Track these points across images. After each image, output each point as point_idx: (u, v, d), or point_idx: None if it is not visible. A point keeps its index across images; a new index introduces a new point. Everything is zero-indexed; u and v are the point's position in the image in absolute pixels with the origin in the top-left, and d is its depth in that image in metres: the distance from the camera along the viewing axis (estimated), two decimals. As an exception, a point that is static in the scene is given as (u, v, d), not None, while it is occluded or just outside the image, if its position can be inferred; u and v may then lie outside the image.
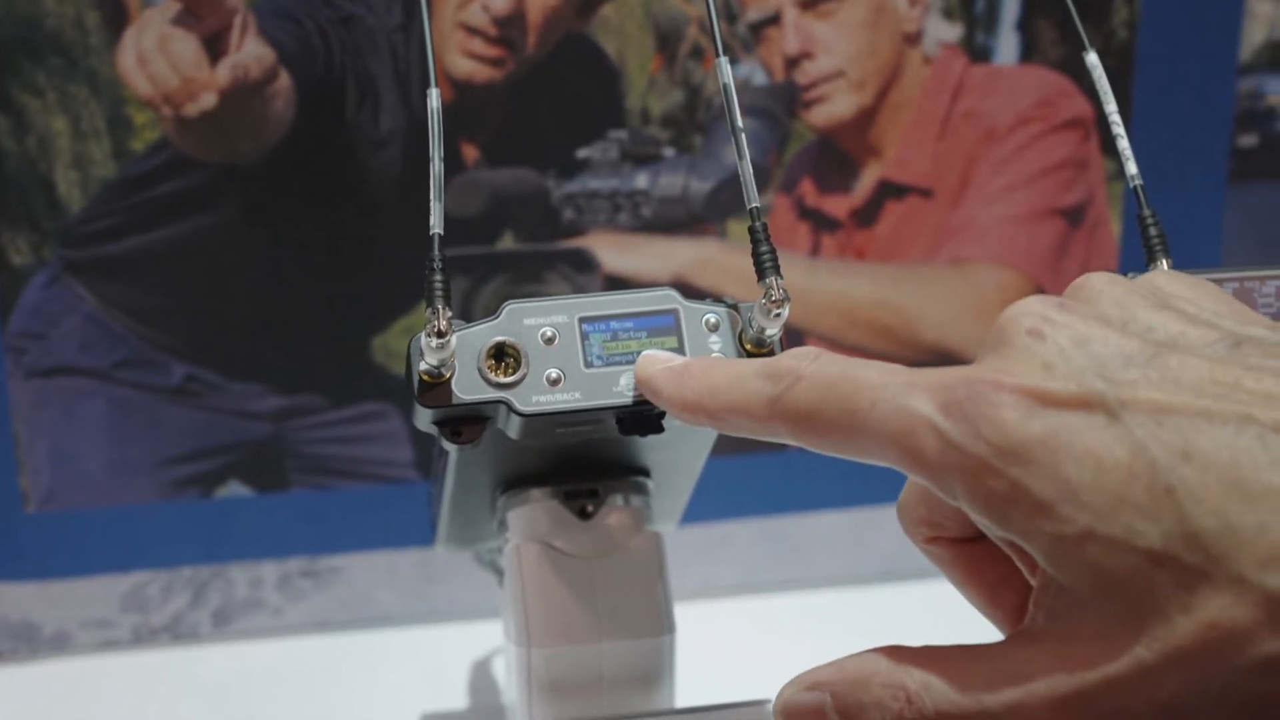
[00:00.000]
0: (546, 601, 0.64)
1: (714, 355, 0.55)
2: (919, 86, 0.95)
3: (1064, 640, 0.41)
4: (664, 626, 0.65)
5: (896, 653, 0.44)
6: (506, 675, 0.73)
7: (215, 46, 0.87)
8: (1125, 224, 0.99)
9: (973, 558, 0.50)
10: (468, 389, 0.54)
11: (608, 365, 0.55)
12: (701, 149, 0.94)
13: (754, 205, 0.54)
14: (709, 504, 0.96)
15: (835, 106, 0.95)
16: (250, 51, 0.87)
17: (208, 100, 0.88)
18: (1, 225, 0.88)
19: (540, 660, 0.64)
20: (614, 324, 0.56)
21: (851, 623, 0.99)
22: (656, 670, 0.65)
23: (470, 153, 0.92)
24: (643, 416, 0.55)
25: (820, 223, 0.97)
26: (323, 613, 0.98)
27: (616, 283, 0.94)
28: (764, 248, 0.54)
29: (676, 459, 0.65)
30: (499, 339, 0.55)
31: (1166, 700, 0.39)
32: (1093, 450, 0.40)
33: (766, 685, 0.63)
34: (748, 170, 0.55)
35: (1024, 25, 0.96)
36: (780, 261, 0.54)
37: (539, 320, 0.55)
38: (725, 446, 0.66)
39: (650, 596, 0.65)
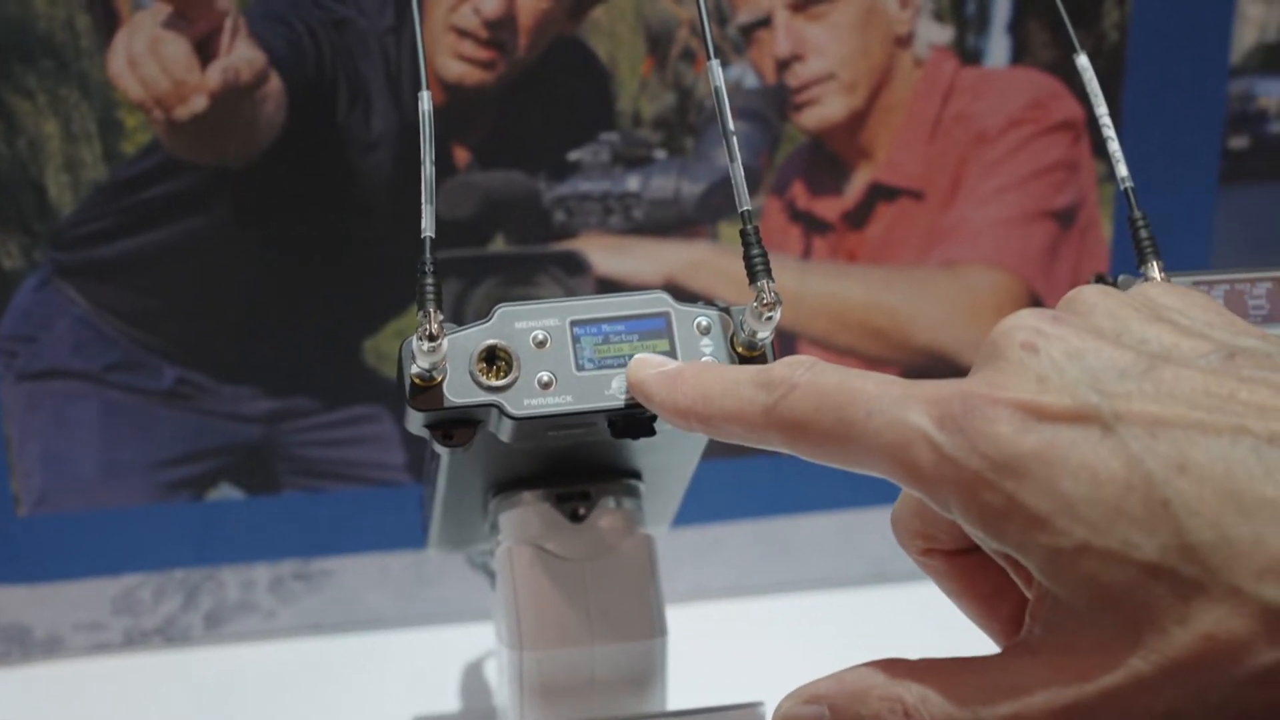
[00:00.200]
0: (538, 604, 0.64)
1: (706, 360, 0.55)
2: (910, 89, 0.95)
3: (1060, 653, 0.41)
4: (656, 629, 0.65)
5: (894, 666, 0.44)
6: (498, 678, 0.73)
7: (206, 49, 0.87)
8: (1116, 226, 1.00)
9: (967, 570, 0.50)
10: (459, 392, 0.54)
11: (599, 368, 0.55)
12: (693, 151, 0.94)
13: (745, 208, 0.54)
14: (701, 507, 0.96)
15: (826, 109, 0.95)
16: (241, 54, 0.87)
17: (198, 103, 0.88)
18: (-8, 228, 0.88)
19: (532, 663, 0.64)
20: (605, 327, 0.56)
21: (842, 625, 0.99)
22: (648, 673, 0.65)
23: (461, 155, 0.92)
24: (635, 419, 0.55)
25: (812, 225, 0.97)
26: (315, 615, 0.98)
27: (608, 285, 0.94)
28: (755, 250, 0.54)
29: (668, 462, 0.65)
30: (491, 342, 0.55)
31: (1164, 712, 0.39)
32: (1088, 463, 0.40)
33: (758, 688, 0.63)
34: (739, 173, 0.55)
35: (1015, 28, 0.96)
36: (772, 264, 0.54)
37: (530, 323, 0.55)
38: (717, 450, 0.67)
39: (642, 599, 0.65)
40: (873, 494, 1.00)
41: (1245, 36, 0.99)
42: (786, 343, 0.97)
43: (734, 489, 1.00)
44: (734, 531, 1.01)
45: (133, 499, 0.94)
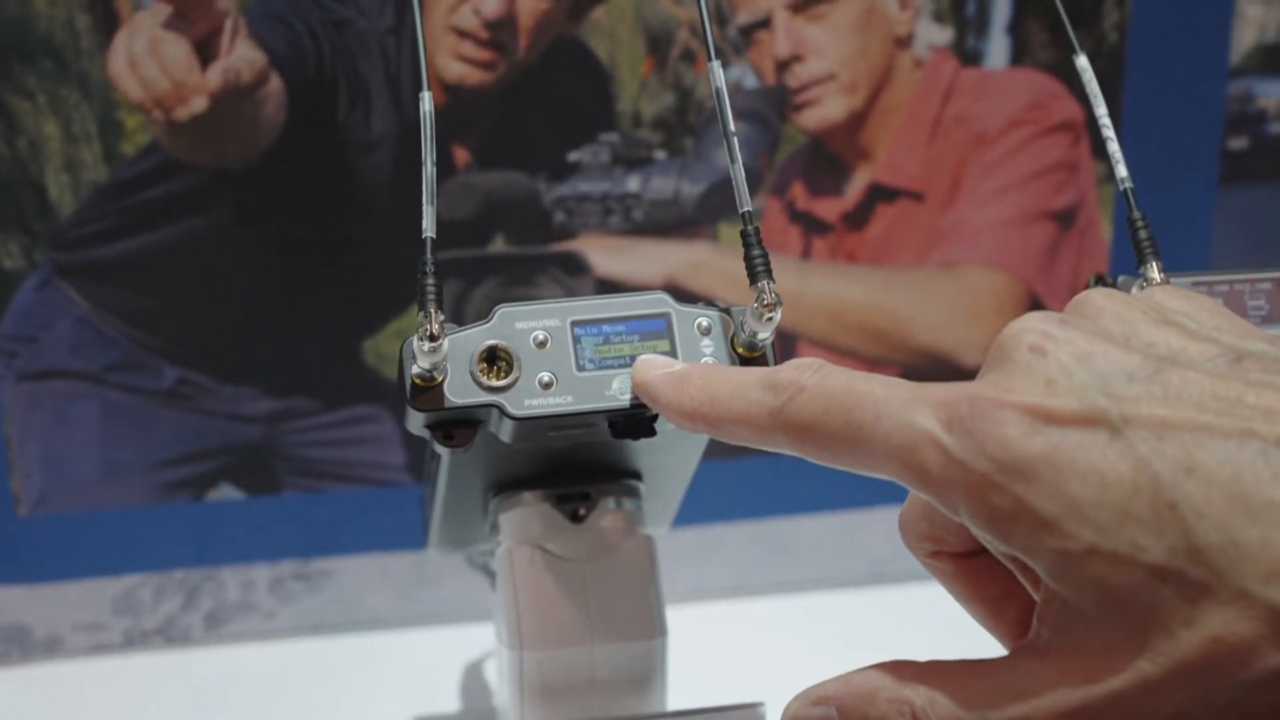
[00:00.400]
0: (538, 604, 0.64)
1: (705, 360, 0.55)
2: (910, 90, 0.95)
3: (1068, 655, 0.41)
4: (656, 629, 0.65)
5: (902, 668, 0.44)
6: (498, 678, 0.73)
7: (206, 50, 0.87)
8: (1116, 226, 1.00)
9: (974, 572, 0.50)
10: (460, 392, 0.54)
11: (600, 369, 0.55)
12: (693, 152, 0.94)
13: (745, 209, 0.54)
14: (701, 507, 0.96)
15: (826, 109, 0.95)
16: (241, 55, 0.87)
17: (198, 104, 0.88)
18: (-7, 228, 0.88)
19: (532, 663, 0.64)
20: (606, 327, 0.56)
21: (843, 625, 0.99)
22: (648, 673, 0.65)
23: (461, 156, 0.92)
24: (635, 420, 0.55)
25: (811, 226, 0.97)
26: (315, 615, 0.98)
27: (608, 286, 0.94)
28: (756, 251, 0.54)
29: (668, 462, 0.65)
30: (491, 342, 0.55)
31: (1170, 715, 0.39)
32: (1096, 466, 0.40)
33: (758, 688, 0.63)
34: (739, 173, 0.55)
35: (1014, 28, 0.96)
36: (772, 265, 0.54)
37: (531, 324, 0.55)
38: (717, 450, 0.67)
39: (642, 599, 0.65)
40: (873, 494, 1.00)
41: (1244, 37, 0.99)
42: (786, 343, 0.97)
43: (734, 489, 1.00)
44: (734, 532, 1.01)
45: (133, 499, 0.94)
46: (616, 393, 0.55)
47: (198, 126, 0.88)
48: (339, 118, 0.90)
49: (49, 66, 0.86)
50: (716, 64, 0.56)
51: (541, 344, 0.55)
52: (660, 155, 0.94)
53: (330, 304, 0.92)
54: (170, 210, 0.89)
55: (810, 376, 0.46)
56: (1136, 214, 0.60)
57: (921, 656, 0.45)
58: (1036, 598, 0.43)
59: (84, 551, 0.94)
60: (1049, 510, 0.40)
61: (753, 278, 0.54)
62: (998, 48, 0.96)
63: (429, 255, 0.53)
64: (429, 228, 0.53)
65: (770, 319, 0.54)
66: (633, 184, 0.94)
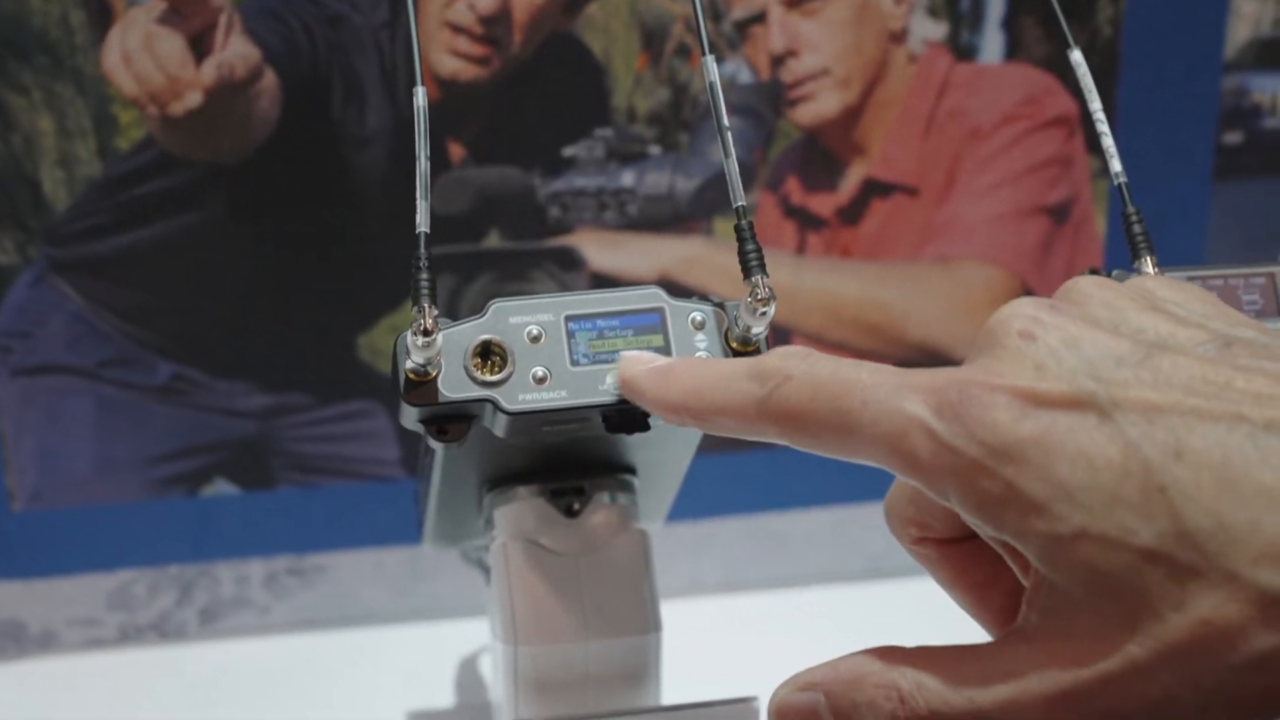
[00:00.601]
0: (533, 599, 0.64)
1: (699, 355, 0.55)
2: (904, 84, 0.95)
3: (1057, 638, 0.41)
4: (650, 624, 0.65)
5: (890, 653, 0.44)
6: (493, 673, 0.73)
7: (200, 45, 0.87)
8: (1110, 221, 1.00)
9: (960, 558, 0.50)
10: (454, 387, 0.54)
11: (594, 363, 0.55)
12: (687, 147, 0.94)
13: (740, 204, 0.54)
14: (695, 502, 0.97)
15: (821, 105, 0.95)
16: (235, 50, 0.87)
17: (193, 99, 0.88)
18: (-13, 224, 0.88)
19: (526, 658, 0.64)
20: (600, 322, 0.56)
21: (838, 620, 0.99)
22: (642, 668, 0.65)
23: (456, 151, 0.92)
24: (629, 415, 0.55)
25: (806, 221, 0.97)
26: (309, 611, 0.98)
27: (603, 281, 0.94)
28: (750, 246, 0.54)
29: (663, 457, 0.65)
30: (485, 337, 0.54)
31: (1159, 698, 0.39)
32: (1085, 450, 0.40)
33: (752, 683, 0.63)
34: (734, 168, 0.55)
35: (1009, 23, 0.96)
36: (766, 260, 0.54)
37: (525, 318, 0.55)
38: (711, 444, 0.67)
39: (636, 594, 0.65)
40: (868, 489, 1.00)
41: (1239, 32, 0.99)
42: (781, 338, 0.97)
43: (728, 484, 1.00)
44: (728, 527, 1.01)
45: (127, 495, 0.94)
46: (610, 387, 0.55)
47: (192, 122, 0.88)
48: (333, 113, 0.90)
49: (43, 62, 0.86)
50: (710, 59, 0.56)
51: (535, 339, 0.55)
52: (655, 150, 0.94)
53: (325, 299, 0.92)
54: (165, 205, 0.89)
55: (797, 364, 0.45)
56: (1131, 209, 0.60)
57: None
58: (1025, 583, 0.43)
59: (79, 547, 0.94)
60: (1039, 494, 0.40)
61: (746, 272, 0.54)
62: (992, 43, 0.96)
63: (423, 250, 0.53)
64: (423, 222, 0.53)
65: (764, 313, 0.54)
66: (627, 179, 0.94)
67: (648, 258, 0.95)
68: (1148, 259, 0.60)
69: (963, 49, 0.96)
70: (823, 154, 0.96)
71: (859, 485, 1.00)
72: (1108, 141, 0.61)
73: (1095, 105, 0.61)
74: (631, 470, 0.66)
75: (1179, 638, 0.39)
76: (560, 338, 0.55)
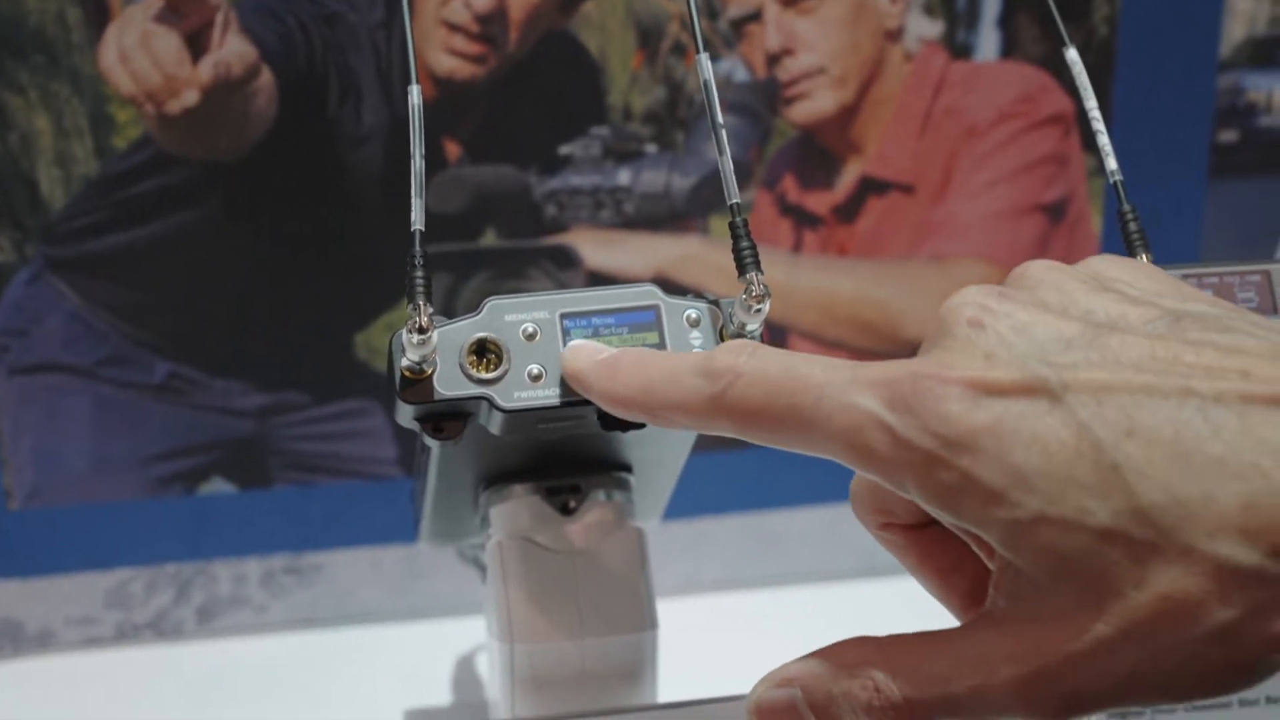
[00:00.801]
0: (529, 597, 0.64)
1: (643, 348, 0.55)
2: (900, 83, 0.96)
3: (1024, 622, 0.41)
4: (646, 622, 0.65)
5: (863, 643, 0.44)
6: (489, 671, 0.73)
7: (197, 44, 0.87)
8: (1106, 219, 1.00)
9: (925, 544, 0.51)
10: (449, 385, 0.54)
11: (589, 361, 0.55)
12: (683, 145, 0.94)
13: (735, 201, 0.54)
14: (690, 500, 0.97)
15: (817, 103, 0.95)
16: (232, 48, 0.87)
17: (190, 97, 0.88)
18: (-17, 223, 0.88)
19: (523, 656, 0.64)
20: (595, 320, 0.56)
21: (832, 617, 0.99)
22: (639, 665, 0.65)
23: (452, 149, 0.92)
24: (624, 412, 0.55)
25: (802, 219, 0.97)
26: (306, 609, 0.98)
27: (598, 279, 0.94)
28: (745, 244, 0.54)
29: (658, 455, 0.65)
30: (481, 335, 0.55)
31: (1127, 674, 0.39)
32: (1038, 435, 0.40)
33: (748, 680, 0.63)
34: (729, 166, 0.55)
35: (1005, 22, 0.96)
36: (762, 257, 0.54)
37: (521, 316, 0.55)
38: (706, 443, 0.67)
39: (633, 592, 0.65)
40: (863, 487, 1.00)
41: (1234, 30, 0.99)
42: (776, 335, 0.97)
43: (724, 482, 1.00)
44: (723, 524, 1.02)
45: (124, 493, 0.94)
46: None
47: (189, 120, 0.88)
48: (330, 112, 0.90)
49: (40, 61, 0.86)
50: (704, 56, 0.56)
51: (531, 336, 0.55)
52: (651, 149, 0.94)
53: (321, 298, 0.92)
54: (161, 204, 0.89)
55: (746, 361, 0.45)
56: (1127, 207, 0.60)
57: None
58: (991, 567, 0.43)
59: (76, 545, 0.94)
60: (995, 481, 0.40)
61: (741, 269, 0.54)
62: (988, 41, 0.96)
63: (418, 248, 0.53)
64: (418, 221, 0.53)
65: (759, 310, 0.54)
66: (623, 177, 0.94)
67: (643, 256, 0.95)
68: (1144, 257, 0.60)
69: (958, 47, 0.96)
70: (819, 152, 0.96)
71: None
72: (1103, 139, 0.61)
73: (1091, 103, 0.61)
74: (627, 468, 0.66)
75: (1142, 615, 0.39)
76: (556, 335, 0.55)
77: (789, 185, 0.96)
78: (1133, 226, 0.60)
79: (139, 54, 0.87)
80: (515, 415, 0.54)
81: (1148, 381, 0.40)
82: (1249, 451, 0.38)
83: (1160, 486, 0.39)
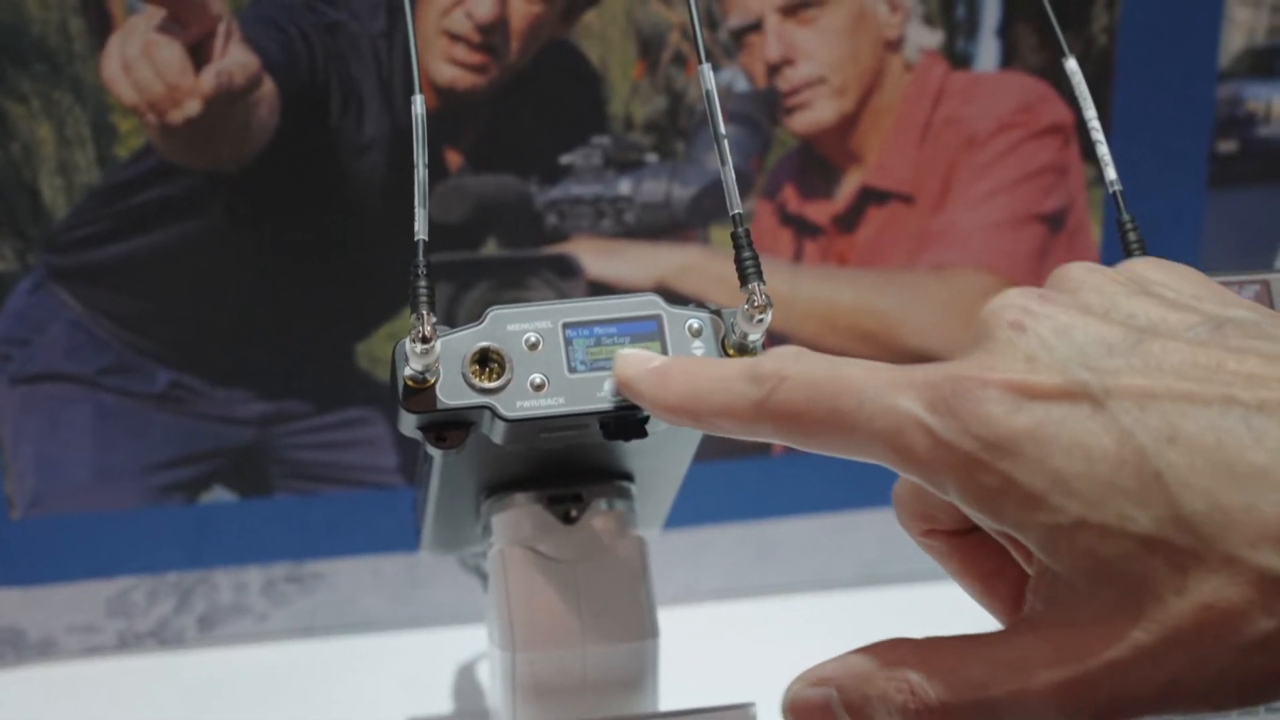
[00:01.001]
0: (530, 606, 0.64)
1: (693, 354, 0.55)
2: (900, 93, 0.96)
3: (1063, 627, 0.41)
4: (648, 631, 0.65)
5: (899, 646, 0.44)
6: (491, 680, 0.73)
7: (199, 53, 0.87)
8: (1105, 229, 1.00)
9: (968, 549, 0.51)
10: (452, 394, 0.54)
11: (591, 370, 0.55)
12: (684, 155, 0.94)
13: (736, 211, 0.55)
14: (691, 509, 0.97)
15: (817, 113, 0.95)
16: (234, 58, 0.88)
17: (192, 107, 0.88)
18: (-14, 232, 0.88)
19: (524, 664, 0.64)
20: (597, 329, 0.56)
21: (832, 626, 0.99)
22: (640, 674, 0.65)
23: (454, 159, 0.92)
24: (626, 421, 0.55)
25: (802, 229, 0.97)
26: (308, 618, 0.99)
27: (600, 288, 0.94)
28: (746, 253, 0.54)
29: (660, 464, 0.66)
30: (483, 344, 0.55)
31: (1166, 682, 0.39)
32: (1080, 440, 0.40)
33: (749, 689, 0.63)
34: (730, 176, 0.55)
35: (1004, 31, 0.96)
36: (763, 267, 0.55)
37: (523, 326, 0.55)
38: (707, 452, 0.67)
39: (634, 601, 0.65)
40: (863, 496, 1.00)
41: (1233, 40, 0.99)
42: (778, 345, 0.97)
43: (725, 491, 1.00)
44: (724, 533, 1.02)
45: (126, 502, 0.94)
46: (608, 394, 0.55)
47: (191, 130, 0.88)
48: (331, 121, 0.90)
49: (42, 70, 0.86)
50: (706, 67, 0.56)
51: (533, 346, 0.55)
52: (652, 158, 0.94)
53: (323, 307, 0.93)
54: (163, 213, 0.89)
55: (792, 365, 0.46)
56: (1126, 216, 0.60)
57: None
58: (1030, 572, 0.43)
59: (77, 554, 0.94)
60: (1036, 485, 0.40)
61: (743, 279, 0.54)
62: (987, 51, 0.96)
63: (421, 258, 0.53)
64: (421, 230, 0.53)
65: (761, 320, 0.54)
66: (624, 187, 0.94)
67: (645, 265, 0.95)
68: (1143, 266, 0.60)
69: (958, 57, 0.96)
70: (819, 162, 0.96)
71: (853, 492, 1.01)
72: (1103, 149, 0.61)
73: (1090, 113, 0.61)
74: (629, 477, 0.66)
75: (1183, 622, 0.39)
76: (558, 345, 0.55)
77: (789, 195, 0.96)
78: (1132, 236, 0.60)
79: (141, 64, 0.87)
80: (518, 424, 0.55)
81: (1190, 389, 0.40)
82: None
83: (1202, 495, 0.39)
